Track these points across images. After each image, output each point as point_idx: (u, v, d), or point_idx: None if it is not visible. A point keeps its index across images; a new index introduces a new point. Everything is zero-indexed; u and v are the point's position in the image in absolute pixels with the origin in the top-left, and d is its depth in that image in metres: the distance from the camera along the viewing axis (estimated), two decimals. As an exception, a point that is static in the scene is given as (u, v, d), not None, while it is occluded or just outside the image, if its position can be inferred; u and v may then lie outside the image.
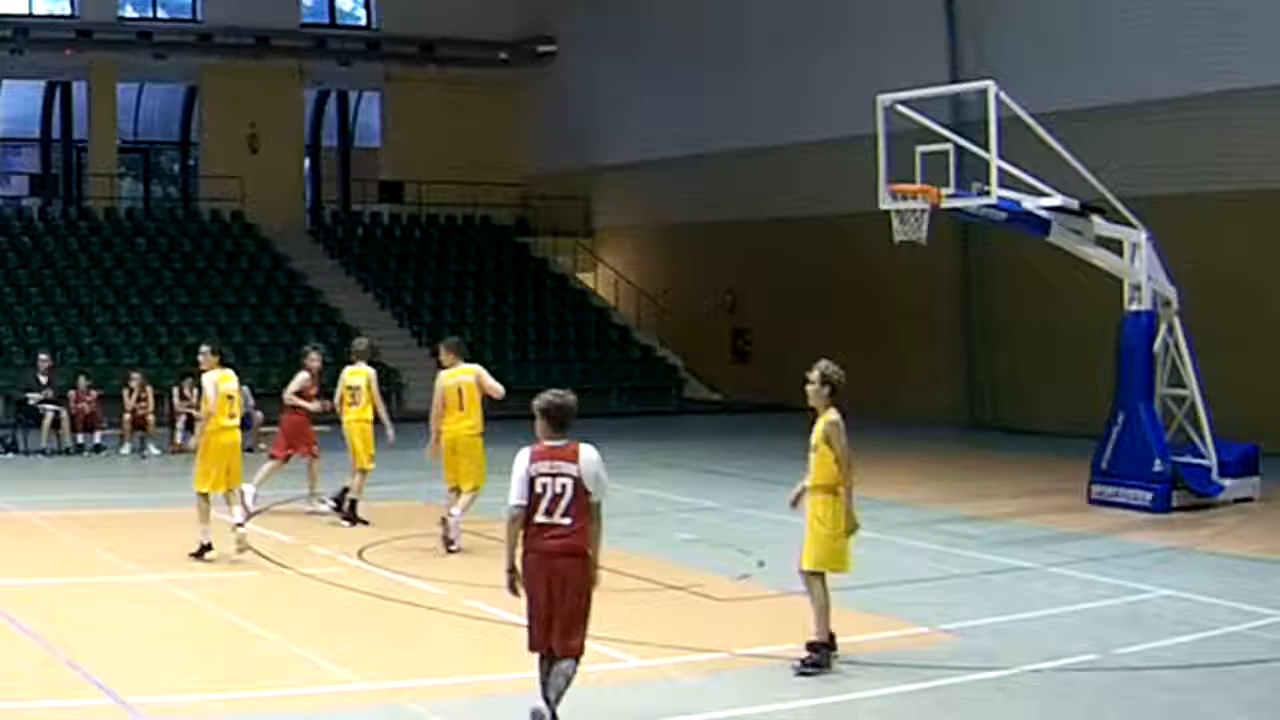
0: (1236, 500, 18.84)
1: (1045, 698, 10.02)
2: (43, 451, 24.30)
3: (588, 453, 8.79)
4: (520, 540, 8.80)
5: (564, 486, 8.68)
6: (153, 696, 9.55)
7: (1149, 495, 18.22)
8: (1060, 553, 15.52)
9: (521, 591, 8.83)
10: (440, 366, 16.03)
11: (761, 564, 14.68)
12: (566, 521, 8.68)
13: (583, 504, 8.71)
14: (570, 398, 8.95)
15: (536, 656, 8.83)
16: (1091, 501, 18.79)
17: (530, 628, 8.80)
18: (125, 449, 24.93)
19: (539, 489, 8.69)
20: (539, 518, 8.70)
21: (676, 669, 10.60)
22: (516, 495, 8.74)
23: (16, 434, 24.82)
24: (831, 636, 10.49)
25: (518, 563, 8.81)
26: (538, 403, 8.88)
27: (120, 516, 15.75)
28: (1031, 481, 21.18)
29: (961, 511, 18.42)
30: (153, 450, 24.89)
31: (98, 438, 24.87)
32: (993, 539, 16.34)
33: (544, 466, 8.70)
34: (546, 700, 8.66)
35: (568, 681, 8.73)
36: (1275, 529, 17.40)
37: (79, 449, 24.65)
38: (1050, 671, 10.56)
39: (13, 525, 16.88)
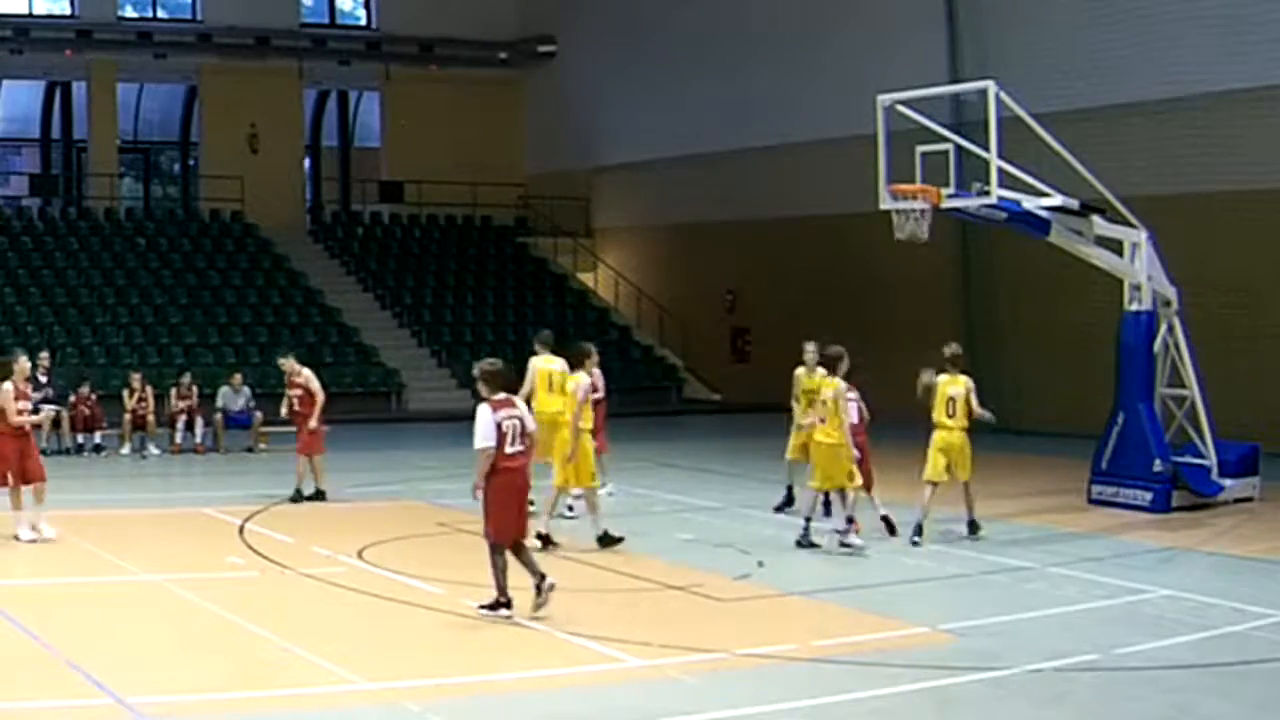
0: (1236, 500, 18.83)
1: (1045, 698, 10.00)
2: (43, 451, 24.18)
3: (519, 400, 12.28)
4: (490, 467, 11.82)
5: (516, 424, 11.89)
6: (153, 696, 9.53)
7: (1149, 495, 18.21)
8: (1060, 553, 15.52)
9: (480, 497, 11.90)
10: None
11: (761, 564, 14.69)
12: (522, 448, 11.92)
13: (527, 435, 11.98)
14: (497, 363, 12.13)
15: (506, 556, 11.84)
16: (1091, 501, 18.79)
17: (508, 526, 11.89)
18: (125, 449, 24.93)
19: (505, 430, 11.76)
20: (507, 449, 11.77)
21: (676, 669, 10.59)
22: (489, 437, 11.68)
23: (16, 434, 24.79)
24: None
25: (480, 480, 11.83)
26: (477, 371, 12.05)
27: (120, 516, 15.71)
28: (1031, 481, 21.14)
29: (962, 511, 18.40)
30: (153, 450, 24.90)
31: (98, 438, 24.85)
32: (993, 539, 16.32)
33: (503, 414, 11.81)
34: (540, 575, 11.86)
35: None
36: (1275, 529, 17.38)
37: (79, 449, 24.65)
38: (1050, 671, 10.55)
39: (13, 525, 16.84)
